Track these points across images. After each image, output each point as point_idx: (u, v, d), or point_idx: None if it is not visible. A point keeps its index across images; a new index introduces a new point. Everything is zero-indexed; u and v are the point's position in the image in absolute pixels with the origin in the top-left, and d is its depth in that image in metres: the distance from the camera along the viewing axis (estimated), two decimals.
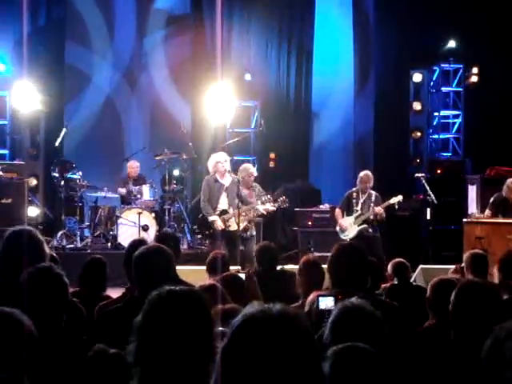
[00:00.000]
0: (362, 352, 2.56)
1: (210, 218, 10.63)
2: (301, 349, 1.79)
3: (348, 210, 11.58)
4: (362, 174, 11.67)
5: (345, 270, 4.60)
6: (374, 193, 11.54)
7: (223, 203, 10.70)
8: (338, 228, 11.63)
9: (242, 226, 10.72)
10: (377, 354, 2.57)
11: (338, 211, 11.76)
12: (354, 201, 11.53)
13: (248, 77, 15.21)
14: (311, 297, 4.96)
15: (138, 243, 5.37)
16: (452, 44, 14.82)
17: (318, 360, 1.84)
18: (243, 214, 10.62)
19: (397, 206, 11.62)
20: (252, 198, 11.03)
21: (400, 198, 11.47)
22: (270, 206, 11.06)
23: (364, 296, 3.79)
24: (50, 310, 3.65)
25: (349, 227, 11.48)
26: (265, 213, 10.99)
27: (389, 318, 4.40)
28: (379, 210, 11.29)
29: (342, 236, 11.49)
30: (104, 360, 2.91)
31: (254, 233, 11.01)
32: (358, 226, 11.42)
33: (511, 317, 2.62)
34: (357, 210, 11.47)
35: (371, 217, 11.39)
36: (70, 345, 3.11)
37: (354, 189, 11.65)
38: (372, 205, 11.41)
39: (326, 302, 3.88)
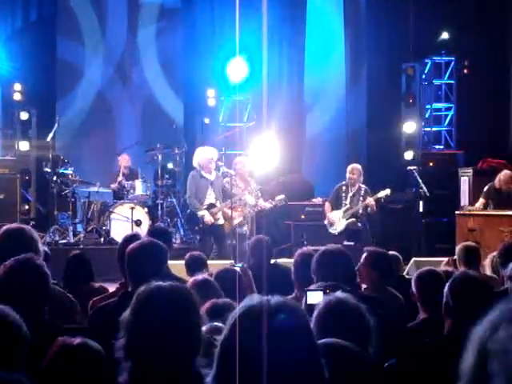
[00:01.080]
0: (335, 348, 2.58)
1: (200, 213, 10.65)
2: (300, 340, 1.79)
3: (337, 203, 11.59)
4: (350, 167, 11.68)
5: (332, 265, 4.64)
6: (363, 186, 11.56)
7: (210, 198, 10.73)
8: (326, 222, 11.64)
9: (236, 221, 10.77)
10: (354, 350, 2.58)
11: (327, 205, 11.77)
12: (343, 195, 11.53)
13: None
14: None
15: (131, 238, 5.36)
16: (445, 36, 14.80)
17: (316, 351, 1.84)
18: (239, 209, 10.70)
19: (383, 200, 11.64)
20: (245, 192, 11.10)
21: (388, 191, 11.47)
22: (268, 203, 11.14)
23: (350, 290, 3.81)
24: (30, 302, 3.63)
25: (337, 221, 11.49)
26: (259, 208, 11.07)
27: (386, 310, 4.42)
28: (371, 201, 11.29)
29: (331, 230, 11.50)
30: (69, 352, 2.92)
31: (248, 231, 11.00)
32: (347, 219, 11.44)
33: None
34: (346, 204, 11.48)
35: (360, 210, 11.40)
36: (54, 337, 3.11)
37: (344, 182, 11.66)
38: (361, 199, 11.43)
39: (314, 297, 3.88)
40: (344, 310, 3.14)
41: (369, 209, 11.36)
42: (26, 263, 3.77)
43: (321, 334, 2.79)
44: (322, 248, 5.04)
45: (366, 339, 3.09)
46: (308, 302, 3.91)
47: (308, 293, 4.02)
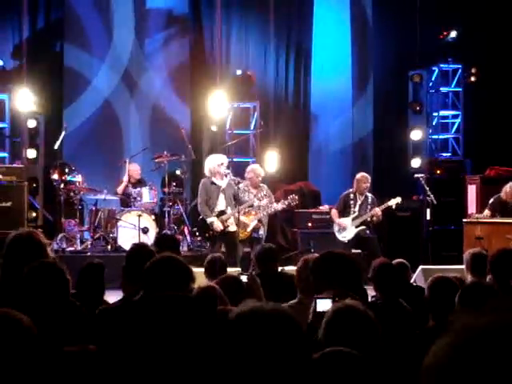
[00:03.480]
0: (343, 357, 2.57)
1: (209, 220, 10.67)
2: (291, 346, 1.79)
3: (344, 211, 11.59)
4: (358, 176, 11.68)
5: (339, 273, 4.62)
6: (370, 195, 11.59)
7: (221, 205, 10.74)
8: (336, 228, 11.63)
9: (252, 225, 10.85)
10: (361, 358, 2.58)
11: (334, 212, 11.77)
12: (352, 202, 11.54)
13: (239, 72, 15.21)
14: None
15: (138, 248, 5.33)
16: (453, 34, 14.72)
17: (307, 358, 1.84)
18: (253, 213, 10.79)
19: (394, 207, 11.63)
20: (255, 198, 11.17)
21: (399, 199, 11.48)
22: (280, 204, 11.16)
23: (359, 298, 3.80)
24: (48, 306, 3.62)
25: (347, 228, 11.50)
26: (273, 210, 11.12)
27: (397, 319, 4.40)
28: (378, 211, 11.32)
29: (340, 237, 11.50)
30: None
31: (263, 233, 11.06)
32: (356, 227, 11.44)
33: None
34: (354, 212, 11.48)
35: (369, 218, 11.42)
36: (66, 343, 3.12)
37: (351, 190, 11.67)
38: (369, 207, 11.45)
39: (324, 305, 3.87)
40: (353, 316, 3.13)
41: (374, 218, 11.38)
42: (49, 266, 3.76)
43: (329, 341, 2.79)
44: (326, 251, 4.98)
45: (375, 346, 3.08)
46: (317, 310, 3.90)
47: (317, 301, 4.01)
